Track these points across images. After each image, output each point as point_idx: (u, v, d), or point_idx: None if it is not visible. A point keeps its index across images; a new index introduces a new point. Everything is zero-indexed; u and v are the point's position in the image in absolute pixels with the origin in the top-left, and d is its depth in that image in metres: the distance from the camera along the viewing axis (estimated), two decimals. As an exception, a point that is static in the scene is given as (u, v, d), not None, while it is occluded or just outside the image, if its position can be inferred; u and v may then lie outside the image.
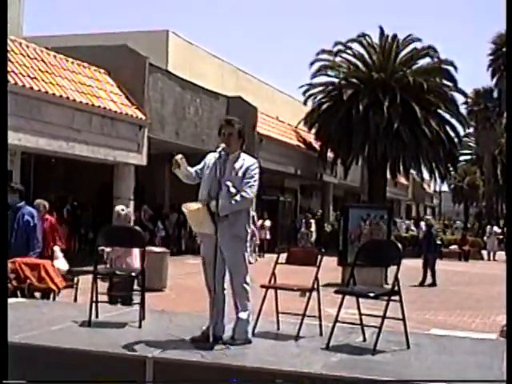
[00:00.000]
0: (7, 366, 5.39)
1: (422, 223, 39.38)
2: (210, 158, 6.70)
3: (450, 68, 37.36)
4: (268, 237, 30.31)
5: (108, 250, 9.88)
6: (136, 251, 9.73)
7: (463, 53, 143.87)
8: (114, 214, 11.23)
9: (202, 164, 6.77)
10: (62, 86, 18.81)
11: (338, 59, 38.23)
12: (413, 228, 42.28)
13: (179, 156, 6.61)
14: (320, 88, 37.98)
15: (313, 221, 32.79)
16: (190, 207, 6.52)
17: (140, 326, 7.02)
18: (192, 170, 6.73)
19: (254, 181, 6.52)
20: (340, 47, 37.75)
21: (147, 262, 7.95)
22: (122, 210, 10.98)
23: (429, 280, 21.14)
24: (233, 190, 6.40)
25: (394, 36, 38.09)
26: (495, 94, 58.98)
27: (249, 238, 6.70)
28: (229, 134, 6.60)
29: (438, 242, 24.14)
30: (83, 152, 19.24)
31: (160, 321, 7.61)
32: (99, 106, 19.69)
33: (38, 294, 9.54)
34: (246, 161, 6.59)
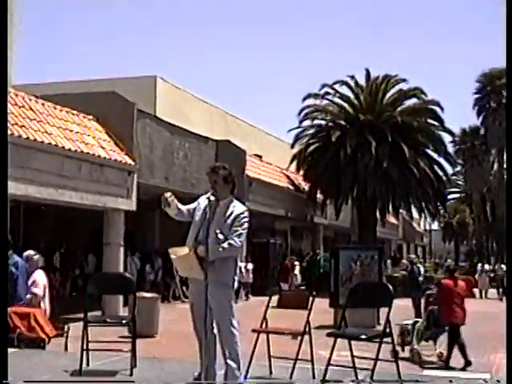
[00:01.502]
0: (7, 365, 5.34)
1: (404, 261, 39.28)
2: (203, 201, 6.73)
3: (437, 108, 37.70)
4: (250, 280, 29.95)
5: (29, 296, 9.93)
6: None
7: (449, 92, 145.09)
8: (23, 258, 10.90)
9: (195, 204, 6.80)
10: (51, 133, 18.85)
11: (325, 102, 38.53)
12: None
13: (168, 194, 6.65)
14: (309, 131, 38.22)
15: (297, 263, 32.48)
16: (177, 252, 6.52)
17: (131, 374, 6.98)
18: (184, 207, 6.76)
19: (243, 229, 6.53)
20: (327, 89, 38.08)
21: (138, 307, 7.93)
22: (34, 254, 10.95)
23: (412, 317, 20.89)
24: (221, 236, 6.41)
25: (381, 77, 38.44)
26: (482, 132, 59.52)
27: (236, 285, 6.68)
28: (214, 182, 6.63)
29: (420, 279, 23.98)
30: (73, 199, 19.21)
31: (152, 368, 7.56)
32: (88, 153, 19.73)
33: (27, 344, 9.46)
34: (236, 208, 6.61)
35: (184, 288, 24.74)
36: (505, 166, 60.61)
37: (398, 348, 8.78)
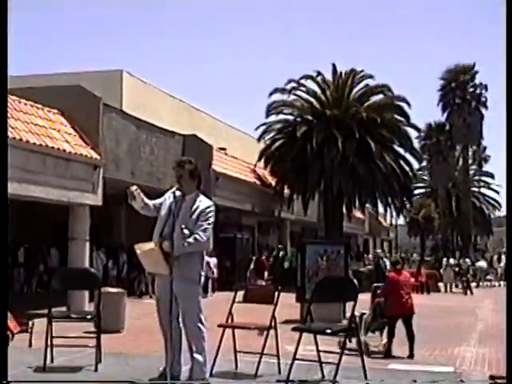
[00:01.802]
0: (7, 365, 5.29)
1: (370, 256, 39.66)
2: (169, 196, 6.70)
3: (403, 104, 37.93)
4: (215, 275, 29.85)
5: None
6: None
7: (415, 88, 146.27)
8: None
9: (161, 199, 6.78)
10: (15, 127, 18.66)
11: (292, 97, 38.58)
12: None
13: (134, 187, 6.62)
14: (275, 126, 38.24)
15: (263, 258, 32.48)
16: (143, 248, 6.49)
17: (96, 370, 6.94)
18: (150, 202, 6.74)
19: (208, 224, 6.51)
20: (293, 84, 38.13)
21: (103, 303, 7.89)
22: None
23: None
24: (186, 231, 6.39)
25: (347, 72, 38.57)
26: (447, 128, 60.01)
27: (202, 280, 6.67)
28: (179, 176, 6.60)
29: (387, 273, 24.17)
30: (37, 193, 19.03)
31: (117, 363, 7.53)
32: (53, 147, 19.55)
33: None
34: (201, 203, 6.58)
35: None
36: (470, 161, 61.23)
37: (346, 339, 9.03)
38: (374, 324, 14.11)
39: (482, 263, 47.22)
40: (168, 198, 6.68)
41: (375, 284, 16.46)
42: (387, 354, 13.29)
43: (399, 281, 14.39)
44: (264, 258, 33.37)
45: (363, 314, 14.30)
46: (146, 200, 6.73)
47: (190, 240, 6.38)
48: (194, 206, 6.52)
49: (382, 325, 14.14)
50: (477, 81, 56.89)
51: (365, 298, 14.22)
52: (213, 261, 29.89)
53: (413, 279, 14.75)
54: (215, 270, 29.85)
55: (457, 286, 38.29)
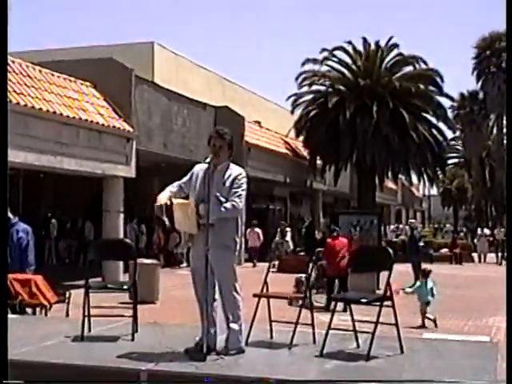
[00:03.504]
0: (7, 365, 5.37)
1: (407, 227, 39.52)
2: (198, 170, 6.69)
3: (436, 75, 37.54)
4: (258, 244, 30.31)
5: None
6: None
7: (448, 56, 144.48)
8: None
9: (189, 175, 6.75)
10: (49, 100, 18.77)
11: (323, 68, 38.34)
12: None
13: (163, 200, 6.52)
14: (307, 97, 38.06)
15: (288, 229, 32.31)
16: (178, 201, 6.48)
17: (133, 339, 7.00)
18: (174, 188, 6.70)
19: (242, 190, 6.51)
20: (326, 54, 37.86)
21: (138, 273, 7.95)
22: None
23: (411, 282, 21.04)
24: (222, 199, 6.40)
25: (378, 43, 38.23)
26: (481, 97, 59.27)
27: (237, 247, 6.67)
28: (219, 147, 6.57)
29: (421, 244, 24.13)
30: (71, 166, 19.18)
31: (153, 333, 7.59)
32: (86, 120, 19.66)
33: (29, 310, 9.50)
34: (233, 171, 6.58)
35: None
36: (504, 130, 60.47)
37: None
38: (317, 283, 16.25)
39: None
40: (199, 171, 6.66)
41: (318, 249, 18.81)
42: (327, 308, 14.70)
43: (335, 246, 16.50)
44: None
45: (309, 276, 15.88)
46: (173, 190, 6.68)
47: (228, 205, 6.38)
48: (227, 175, 6.52)
49: (324, 283, 15.62)
50: (512, 48, 56.02)
51: (399, 269, 14.25)
52: (258, 231, 30.27)
53: (345, 246, 16.68)
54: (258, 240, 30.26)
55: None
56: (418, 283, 14.20)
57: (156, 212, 6.53)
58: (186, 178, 6.76)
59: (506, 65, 50.87)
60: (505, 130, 56.91)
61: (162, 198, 6.57)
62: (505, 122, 55.21)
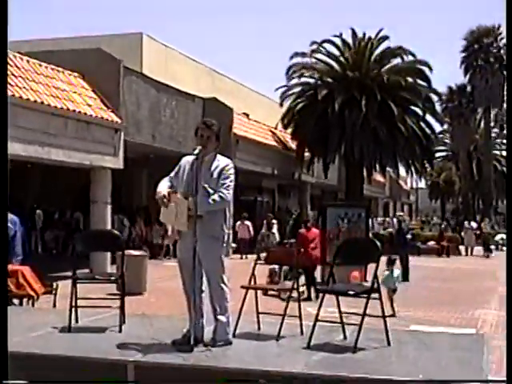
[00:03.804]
0: (7, 366, 5.36)
1: (395, 219, 39.61)
2: (185, 162, 6.68)
3: (425, 68, 37.60)
4: (247, 236, 30.44)
5: None
6: None
7: (436, 49, 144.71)
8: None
9: (177, 169, 6.73)
10: (37, 90, 18.69)
11: (312, 60, 38.32)
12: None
13: (163, 193, 6.50)
14: (296, 89, 38.05)
15: (275, 221, 32.30)
16: (179, 195, 6.44)
17: (120, 331, 7.00)
18: (167, 182, 6.68)
19: (230, 181, 6.50)
20: (315, 47, 37.84)
21: (126, 265, 7.94)
22: None
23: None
24: (210, 190, 6.38)
25: (366, 35, 38.26)
26: (469, 90, 59.38)
27: (225, 238, 6.65)
28: (207, 138, 6.56)
29: (409, 236, 24.27)
30: (59, 157, 19.13)
31: (140, 325, 7.59)
32: (74, 111, 19.59)
33: (16, 301, 9.48)
34: (220, 162, 6.57)
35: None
36: (491, 124, 60.63)
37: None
38: (290, 273, 16.08)
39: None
40: (186, 163, 6.64)
41: (289, 240, 19.34)
42: (309, 298, 15.32)
43: (308, 237, 17.08)
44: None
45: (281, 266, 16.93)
46: (167, 184, 6.65)
47: (216, 197, 6.37)
48: (214, 166, 6.50)
49: (297, 274, 16.25)
50: (500, 43, 56.08)
51: (385, 261, 14.31)
52: (249, 224, 30.34)
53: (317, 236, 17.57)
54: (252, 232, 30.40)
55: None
56: (386, 272, 14.40)
57: (160, 204, 6.52)
58: (173, 172, 6.74)
59: (506, 65, 51.05)
60: (505, 132, 57.02)
61: (162, 189, 6.55)
62: (505, 119, 55.32)
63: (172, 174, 6.74)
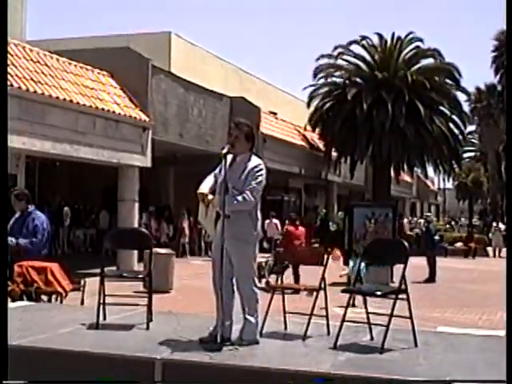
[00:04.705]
0: (7, 366, 5.40)
1: (421, 220, 39.43)
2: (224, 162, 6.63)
3: (453, 69, 37.36)
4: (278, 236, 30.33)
5: None
6: None
7: (466, 49, 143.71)
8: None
9: (220, 167, 6.69)
10: (66, 89, 18.82)
11: (339, 61, 38.21)
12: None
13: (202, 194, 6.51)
14: (323, 89, 37.96)
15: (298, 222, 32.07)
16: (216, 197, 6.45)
17: (148, 328, 7.03)
18: (212, 178, 6.67)
19: (257, 183, 6.41)
20: (340, 50, 37.72)
21: (153, 263, 7.97)
22: None
23: (426, 276, 21.00)
24: (235, 191, 6.36)
25: (395, 36, 38.06)
26: (499, 90, 58.86)
27: (256, 241, 6.61)
28: (235, 137, 6.55)
29: (436, 237, 24.11)
30: (87, 155, 19.24)
31: (168, 322, 7.61)
32: (103, 109, 19.70)
33: (44, 298, 9.54)
34: (251, 162, 6.54)
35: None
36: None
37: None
38: (275, 268, 16.76)
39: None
40: (222, 164, 6.64)
41: (276, 237, 20.88)
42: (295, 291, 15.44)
43: (294, 233, 17.90)
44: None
45: (268, 260, 18.00)
46: (211, 182, 6.64)
47: (239, 198, 6.34)
48: (245, 166, 6.49)
49: (281, 268, 16.41)
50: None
51: (413, 262, 14.23)
52: (277, 222, 30.24)
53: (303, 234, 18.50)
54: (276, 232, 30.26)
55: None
56: (351, 263, 14.61)
57: (199, 198, 6.53)
58: (218, 169, 6.72)
59: (506, 64, 50.53)
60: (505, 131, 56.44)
61: (204, 187, 6.56)
62: (505, 118, 54.76)
63: (216, 171, 6.73)
